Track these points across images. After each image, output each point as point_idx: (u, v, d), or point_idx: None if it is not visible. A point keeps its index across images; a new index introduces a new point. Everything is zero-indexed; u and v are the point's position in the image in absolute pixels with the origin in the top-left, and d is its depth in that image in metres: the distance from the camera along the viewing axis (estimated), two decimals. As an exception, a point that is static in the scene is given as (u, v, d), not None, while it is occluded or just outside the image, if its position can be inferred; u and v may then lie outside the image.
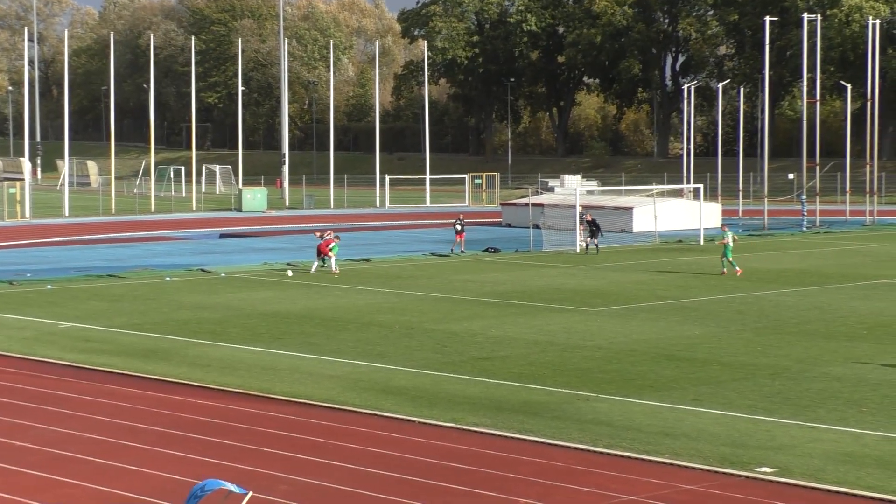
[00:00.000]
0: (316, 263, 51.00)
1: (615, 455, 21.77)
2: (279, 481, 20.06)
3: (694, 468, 20.85)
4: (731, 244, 49.94)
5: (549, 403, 25.68)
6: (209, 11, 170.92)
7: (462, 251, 59.98)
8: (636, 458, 21.53)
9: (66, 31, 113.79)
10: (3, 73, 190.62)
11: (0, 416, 24.78)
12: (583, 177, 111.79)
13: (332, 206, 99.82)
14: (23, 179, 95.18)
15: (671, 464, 21.12)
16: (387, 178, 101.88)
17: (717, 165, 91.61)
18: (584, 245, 60.11)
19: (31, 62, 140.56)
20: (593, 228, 60.01)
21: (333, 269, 50.61)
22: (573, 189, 79.79)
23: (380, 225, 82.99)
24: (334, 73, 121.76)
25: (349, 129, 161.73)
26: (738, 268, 49.64)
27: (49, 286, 46.57)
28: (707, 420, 24.13)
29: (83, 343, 33.78)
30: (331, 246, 50.93)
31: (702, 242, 64.39)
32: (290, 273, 49.79)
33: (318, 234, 53.32)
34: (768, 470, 20.57)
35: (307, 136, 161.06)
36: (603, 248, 60.25)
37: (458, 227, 60.84)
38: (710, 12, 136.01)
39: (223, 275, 50.49)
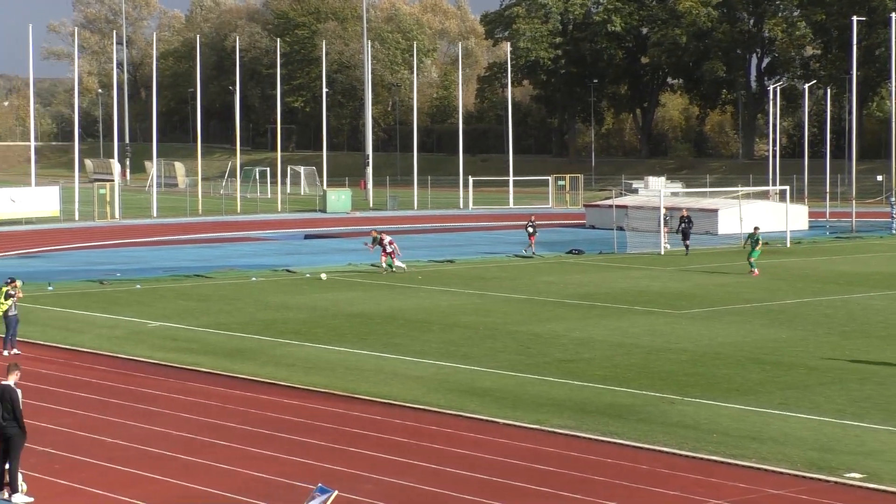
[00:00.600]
0: (394, 262, 51.26)
1: (701, 458, 21.64)
2: (364, 481, 20.17)
3: (781, 473, 20.68)
4: (759, 247, 50.43)
5: (633, 406, 25.58)
6: (294, 14, 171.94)
7: (533, 253, 59.70)
8: (722, 462, 21.39)
9: (154, 35, 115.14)
10: (93, 75, 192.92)
11: (90, 413, 25.15)
12: (667, 178, 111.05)
13: (415, 208, 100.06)
14: (112, 180, 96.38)
15: (758, 468, 20.97)
16: (470, 179, 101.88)
17: (804, 167, 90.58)
18: (685, 246, 59.57)
19: (120, 65, 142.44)
20: (687, 227, 59.66)
21: (384, 267, 51.13)
22: (657, 191, 79.36)
23: (463, 226, 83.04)
24: (417, 74, 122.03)
25: (432, 130, 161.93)
26: (756, 270, 49.77)
27: (138, 286, 47.13)
28: (794, 424, 23.92)
29: (171, 342, 34.16)
30: (388, 248, 51.32)
31: (788, 245, 63.78)
32: (323, 276, 49.42)
33: (375, 233, 52.86)
34: (857, 475, 20.35)
35: (391, 137, 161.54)
36: (681, 251, 59.85)
37: (531, 230, 60.64)
38: (797, 12, 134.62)
39: (308, 275, 50.79)
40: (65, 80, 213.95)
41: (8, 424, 19.14)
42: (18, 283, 33.01)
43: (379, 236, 52.03)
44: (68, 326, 37.03)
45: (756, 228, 52.54)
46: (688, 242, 59.65)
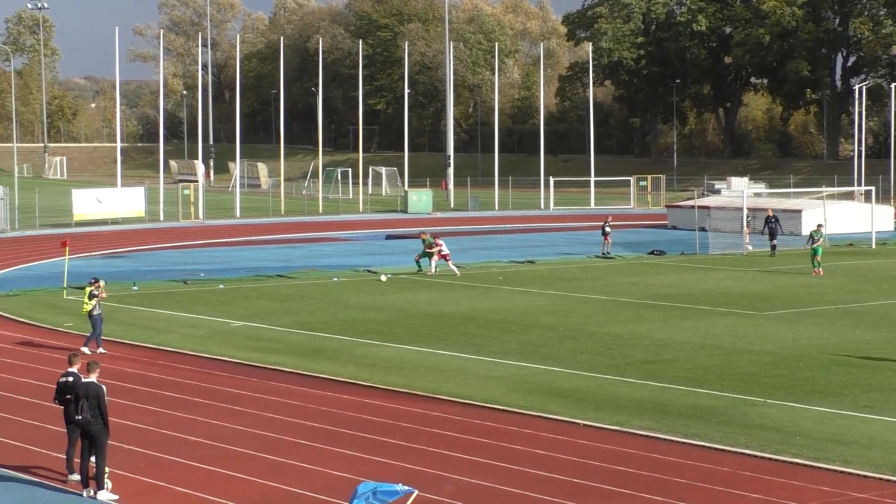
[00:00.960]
0: (449, 265, 50.92)
1: (783, 461, 21.48)
2: (444, 481, 20.23)
3: (866, 476, 20.48)
4: (823, 245, 51.04)
5: (715, 408, 25.43)
6: (376, 16, 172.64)
7: (606, 253, 59.39)
8: (805, 465, 21.22)
9: (237, 37, 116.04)
10: (178, 77, 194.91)
11: (174, 412, 25.43)
12: (750, 179, 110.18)
13: (496, 208, 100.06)
14: (196, 181, 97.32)
15: (841, 471, 20.77)
16: (551, 179, 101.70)
17: (890, 167, 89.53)
18: (771, 247, 59.11)
19: (204, 67, 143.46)
20: (774, 227, 59.18)
21: (431, 270, 50.89)
22: (740, 191, 78.72)
23: (544, 227, 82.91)
24: (499, 75, 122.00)
25: (513, 131, 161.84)
26: (818, 269, 50.03)
27: (221, 286, 47.57)
28: (879, 427, 23.65)
29: (253, 342, 34.44)
30: (435, 249, 50.95)
31: (873, 246, 63.06)
32: (384, 278, 49.39)
33: (425, 236, 52.37)
34: (942, 479, 20.10)
35: (472, 138, 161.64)
36: (769, 251, 59.36)
37: (608, 230, 60.33)
38: (883, 11, 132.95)
39: (389, 275, 50.93)
40: (150, 83, 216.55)
41: (93, 421, 19.44)
42: (102, 282, 33.38)
43: (431, 239, 51.65)
44: (153, 326, 37.46)
45: (819, 226, 52.47)
46: (774, 243, 59.13)
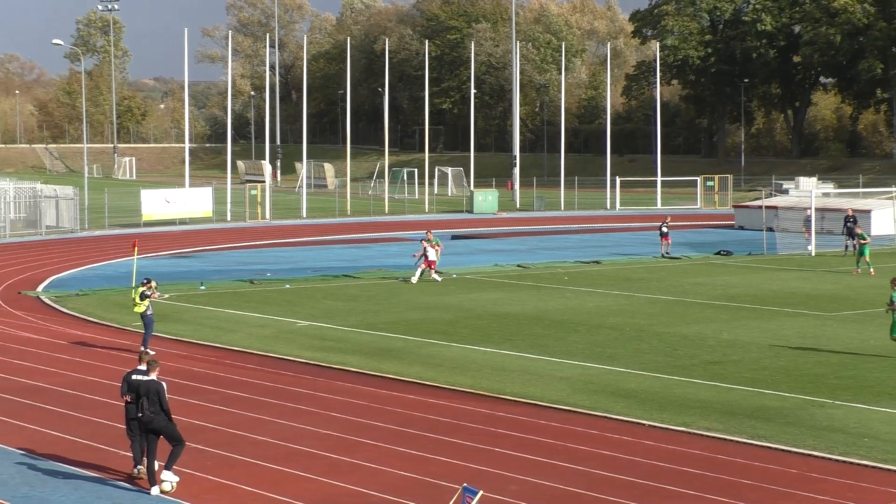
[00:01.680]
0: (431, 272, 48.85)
1: (851, 463, 21.29)
2: (509, 481, 20.23)
3: (934, 479, 20.26)
4: (866, 242, 51.11)
5: (782, 409, 25.26)
6: (444, 17, 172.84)
7: (667, 254, 59.01)
8: (873, 467, 21.02)
9: (305, 37, 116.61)
10: (246, 78, 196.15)
11: (241, 411, 25.60)
12: (818, 179, 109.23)
13: (562, 208, 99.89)
14: (263, 181, 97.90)
15: (910, 474, 20.57)
16: (617, 179, 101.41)
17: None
18: (844, 247, 58.66)
19: (272, 68, 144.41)
20: (853, 227, 58.66)
21: (431, 274, 48.76)
22: (808, 191, 78.09)
23: (610, 227, 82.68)
24: (566, 75, 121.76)
25: (580, 130, 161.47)
26: (859, 269, 50.71)
27: (287, 285, 47.83)
28: (948, 430, 23.39)
29: (319, 341, 34.60)
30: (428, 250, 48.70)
31: (944, 246, 62.35)
32: (413, 280, 48.00)
33: (432, 236, 50.10)
34: None
35: (538, 138, 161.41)
36: (839, 251, 58.82)
37: (664, 230, 59.94)
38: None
39: (454, 276, 51.01)
40: (218, 83, 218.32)
41: (156, 417, 19.69)
42: (154, 283, 33.52)
43: (437, 240, 49.78)
44: (220, 325, 37.72)
45: (858, 227, 52.86)
46: (853, 242, 58.45)
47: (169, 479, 19.67)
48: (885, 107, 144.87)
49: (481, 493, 15.92)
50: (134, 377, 20.51)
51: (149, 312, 32.49)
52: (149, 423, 19.74)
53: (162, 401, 19.78)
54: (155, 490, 19.61)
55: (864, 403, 25.63)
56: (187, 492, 19.62)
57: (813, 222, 61.14)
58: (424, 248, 48.95)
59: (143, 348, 32.01)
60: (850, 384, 27.71)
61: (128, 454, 20.94)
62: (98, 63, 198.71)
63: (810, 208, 63.31)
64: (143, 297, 32.45)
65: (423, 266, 48.77)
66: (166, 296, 33.24)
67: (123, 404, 20.93)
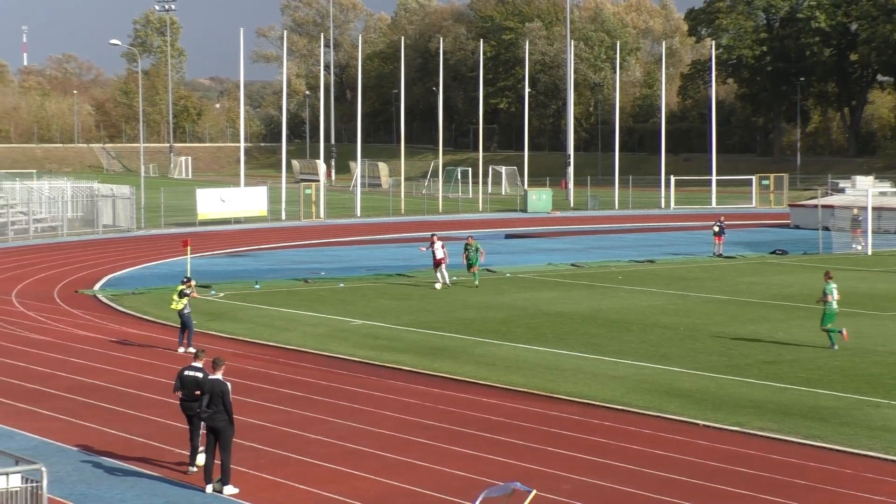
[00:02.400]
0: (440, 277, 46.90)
1: (907, 464, 21.14)
2: (562, 480, 20.22)
3: None
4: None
5: (837, 409, 25.10)
6: (499, 17, 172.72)
7: (720, 254, 58.64)
8: (930, 468, 20.86)
9: (359, 37, 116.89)
10: (301, 78, 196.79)
11: (295, 410, 25.72)
12: (875, 178, 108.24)
13: (616, 207, 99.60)
14: (318, 181, 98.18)
15: (967, 475, 20.38)
16: (672, 178, 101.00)
17: None
18: None
19: (326, 67, 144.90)
20: None
21: (446, 280, 46.82)
22: (864, 190, 77.45)
23: (664, 226, 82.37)
24: (620, 73, 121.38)
25: (634, 129, 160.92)
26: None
27: (341, 284, 47.99)
28: None
29: (373, 340, 34.69)
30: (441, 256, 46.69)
31: None
32: (437, 286, 46.31)
33: (437, 239, 47.94)
34: None
35: (592, 137, 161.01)
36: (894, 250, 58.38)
37: (717, 229, 59.56)
38: None
39: (508, 275, 51.00)
40: (273, 83, 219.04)
41: (217, 416, 19.79)
42: (193, 282, 33.74)
43: (478, 244, 47.96)
44: (274, 324, 37.90)
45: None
46: None
47: (230, 491, 19.76)
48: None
49: (535, 492, 15.93)
50: (187, 373, 20.74)
51: (186, 311, 32.70)
52: (210, 420, 19.87)
53: (226, 401, 19.88)
54: (209, 488, 19.75)
55: (920, 404, 25.43)
56: (242, 490, 19.74)
57: (870, 221, 60.65)
58: (432, 244, 47.17)
59: (181, 349, 32.26)
60: (907, 385, 27.50)
61: (184, 451, 21.12)
62: (154, 63, 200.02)
63: (856, 207, 62.83)
64: (181, 295, 32.68)
65: (435, 265, 46.82)
66: (221, 294, 33.40)
67: (178, 401, 21.15)
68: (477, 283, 47.06)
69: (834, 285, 32.58)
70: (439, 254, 46.86)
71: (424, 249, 49.04)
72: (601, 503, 19.15)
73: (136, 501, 19.34)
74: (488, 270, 52.36)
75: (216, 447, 19.87)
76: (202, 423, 20.14)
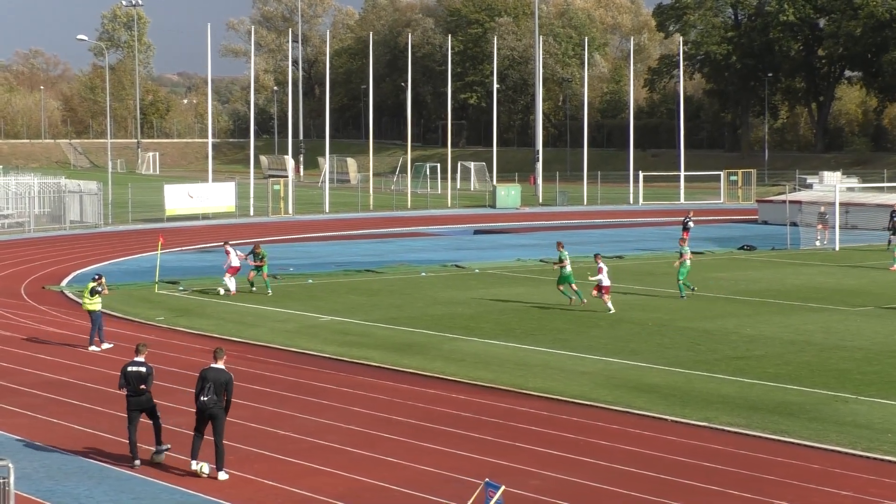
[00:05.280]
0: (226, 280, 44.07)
1: (875, 458, 21.23)
2: (531, 476, 20.22)
3: (958, 474, 20.17)
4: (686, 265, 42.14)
5: (805, 404, 25.18)
6: (466, 11, 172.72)
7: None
8: (896, 463, 20.95)
9: (328, 32, 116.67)
10: (269, 73, 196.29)
11: (263, 406, 25.65)
12: (843, 173, 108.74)
13: (584, 203, 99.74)
14: (286, 176, 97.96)
15: (933, 469, 20.48)
16: (640, 174, 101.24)
17: None
18: (888, 241, 58.21)
19: (295, 62, 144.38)
20: None
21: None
22: (832, 186, 77.82)
23: (633, 222, 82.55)
24: (588, 69, 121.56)
25: (602, 125, 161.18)
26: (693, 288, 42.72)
27: (310, 280, 47.88)
28: (972, 425, 23.28)
29: (342, 336, 34.62)
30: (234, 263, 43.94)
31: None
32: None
33: (259, 249, 44.64)
34: None
35: (560, 132, 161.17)
36: (864, 246, 58.60)
37: (691, 225, 59.57)
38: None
39: (477, 270, 51.02)
40: (241, 78, 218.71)
41: (216, 405, 20.26)
42: (104, 279, 33.61)
43: (564, 253, 40.65)
44: (242, 320, 37.78)
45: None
46: None
47: (223, 477, 19.95)
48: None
49: (503, 487, 15.92)
50: (130, 368, 21.39)
51: (98, 308, 32.65)
52: (207, 408, 20.24)
53: (228, 390, 20.42)
54: (195, 465, 20.31)
55: (888, 399, 25.53)
56: (209, 485, 19.69)
57: (837, 216, 60.91)
58: (228, 253, 43.94)
59: (91, 347, 32.17)
60: (875, 379, 27.62)
61: (150, 448, 21.07)
62: (122, 58, 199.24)
63: (823, 203, 63.11)
64: (93, 292, 32.55)
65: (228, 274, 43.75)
66: (106, 292, 33.17)
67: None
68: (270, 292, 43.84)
69: (566, 252, 40.04)
70: (235, 262, 43.72)
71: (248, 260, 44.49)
72: (569, 499, 19.15)
73: (103, 497, 19.25)
74: (456, 266, 52.37)
75: (204, 431, 20.37)
76: (196, 409, 20.42)
